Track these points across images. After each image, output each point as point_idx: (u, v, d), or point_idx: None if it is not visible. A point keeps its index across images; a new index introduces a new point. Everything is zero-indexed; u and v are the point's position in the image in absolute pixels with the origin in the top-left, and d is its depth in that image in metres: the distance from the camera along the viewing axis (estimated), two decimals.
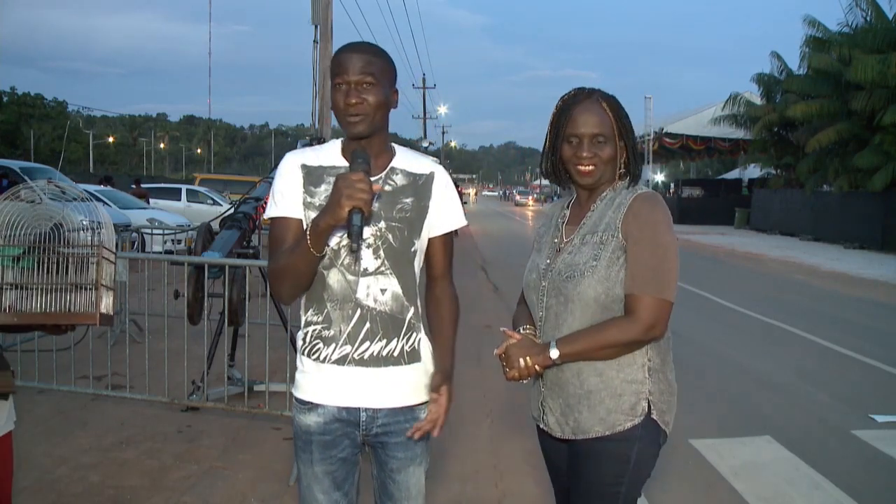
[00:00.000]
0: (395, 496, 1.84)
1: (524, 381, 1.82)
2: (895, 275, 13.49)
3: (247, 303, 4.61)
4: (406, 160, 1.82)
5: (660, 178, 44.98)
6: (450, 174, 2.03)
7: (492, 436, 4.29)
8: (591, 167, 1.81)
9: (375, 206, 1.72)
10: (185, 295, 4.60)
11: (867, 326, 8.35)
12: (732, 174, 40.71)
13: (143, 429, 4.16)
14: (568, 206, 1.96)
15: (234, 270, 4.48)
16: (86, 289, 1.70)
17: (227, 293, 4.44)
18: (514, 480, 3.63)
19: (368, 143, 1.73)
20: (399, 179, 1.79)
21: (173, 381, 4.51)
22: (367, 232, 1.71)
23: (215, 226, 5.22)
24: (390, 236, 1.74)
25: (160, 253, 8.73)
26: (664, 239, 1.73)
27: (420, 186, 1.80)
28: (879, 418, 4.78)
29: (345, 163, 1.75)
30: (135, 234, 9.00)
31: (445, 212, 1.83)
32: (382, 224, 1.74)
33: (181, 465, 3.67)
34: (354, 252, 1.61)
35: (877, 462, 4.06)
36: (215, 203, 17.58)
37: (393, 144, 1.84)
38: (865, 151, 19.67)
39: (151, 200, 16.47)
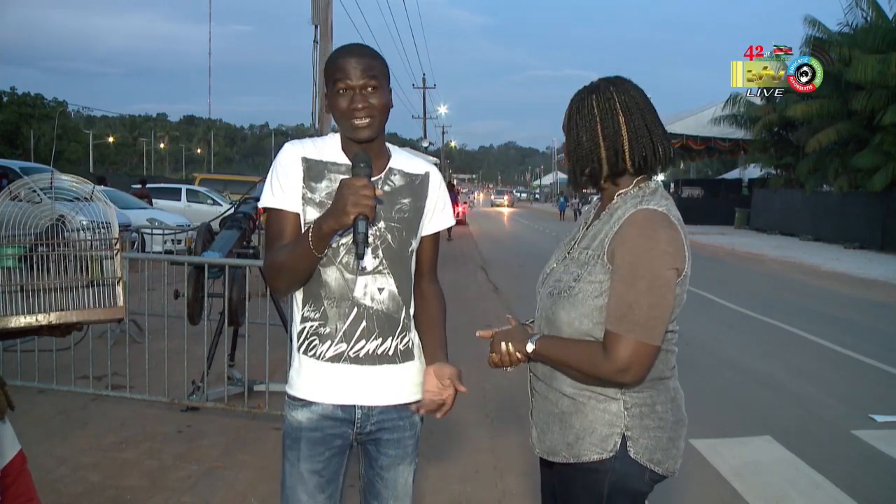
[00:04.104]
0: (383, 495, 1.82)
1: (507, 369, 1.73)
2: (895, 275, 13.48)
3: (247, 303, 4.62)
4: (402, 161, 1.83)
5: (660, 177, 44.91)
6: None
7: (492, 436, 4.28)
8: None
9: (377, 208, 1.73)
10: (185, 295, 4.60)
11: (867, 326, 8.34)
12: (732, 174, 40.69)
13: (143, 429, 4.15)
14: (595, 206, 1.74)
15: (234, 270, 4.48)
16: (102, 285, 1.69)
17: (227, 293, 4.45)
18: (514, 480, 3.62)
19: (369, 145, 1.73)
20: (397, 180, 1.79)
21: (173, 381, 4.51)
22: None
23: (215, 226, 5.22)
24: (389, 236, 1.74)
25: (160, 253, 8.74)
26: (648, 271, 1.48)
27: (417, 187, 1.81)
28: (879, 418, 4.78)
29: (345, 159, 1.75)
30: (135, 234, 9.00)
31: (439, 212, 1.85)
32: (382, 224, 1.74)
33: (181, 465, 3.66)
34: (361, 258, 1.62)
35: (877, 462, 4.06)
36: (215, 203, 17.57)
37: (388, 144, 1.84)
38: (865, 151, 19.68)
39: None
